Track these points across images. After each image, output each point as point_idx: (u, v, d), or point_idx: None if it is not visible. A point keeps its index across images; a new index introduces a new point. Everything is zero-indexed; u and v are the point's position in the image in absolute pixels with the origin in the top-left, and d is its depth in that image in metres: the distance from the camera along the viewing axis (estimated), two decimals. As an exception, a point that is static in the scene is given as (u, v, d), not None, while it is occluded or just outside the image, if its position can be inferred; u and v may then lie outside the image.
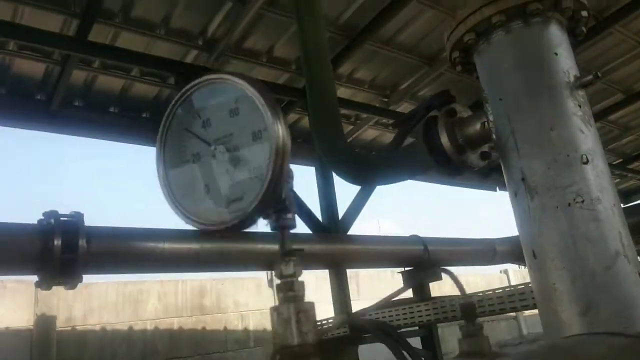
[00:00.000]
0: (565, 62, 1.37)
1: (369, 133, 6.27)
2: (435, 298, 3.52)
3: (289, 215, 0.72)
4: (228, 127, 0.70)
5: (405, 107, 5.73)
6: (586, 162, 1.28)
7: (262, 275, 8.24)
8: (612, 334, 0.94)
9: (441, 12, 4.47)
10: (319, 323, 4.15)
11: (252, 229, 0.72)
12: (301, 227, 4.41)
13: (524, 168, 1.36)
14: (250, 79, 0.68)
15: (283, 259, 0.71)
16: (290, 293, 0.69)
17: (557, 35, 1.40)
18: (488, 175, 8.02)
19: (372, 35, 4.48)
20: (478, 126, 1.57)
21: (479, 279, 12.42)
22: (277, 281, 0.71)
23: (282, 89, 4.87)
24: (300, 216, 4.49)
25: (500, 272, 13.65)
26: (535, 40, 1.39)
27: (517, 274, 13.71)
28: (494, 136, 1.48)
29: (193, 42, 4.24)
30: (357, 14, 4.31)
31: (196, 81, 0.73)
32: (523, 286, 2.98)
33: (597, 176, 1.28)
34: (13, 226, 2.73)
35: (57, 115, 4.43)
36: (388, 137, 6.36)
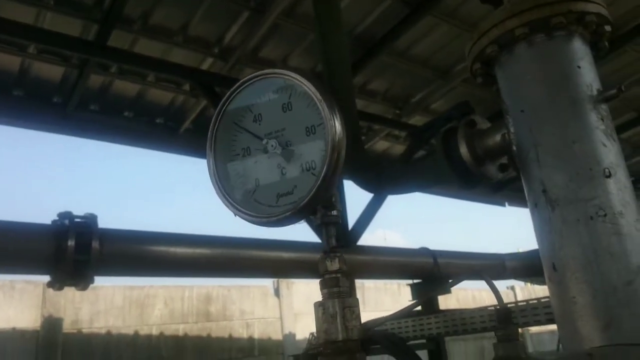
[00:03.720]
0: (588, 76, 1.37)
1: (380, 145, 6.28)
2: (445, 311, 3.49)
3: (334, 212, 0.72)
4: (280, 122, 0.71)
5: (417, 120, 5.74)
6: (609, 176, 1.28)
7: (268, 284, 8.22)
8: (636, 345, 0.93)
9: (455, 26, 4.50)
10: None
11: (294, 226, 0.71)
12: (311, 236, 4.40)
13: (545, 180, 1.36)
14: (307, 74, 0.68)
15: (328, 255, 0.71)
16: (335, 289, 0.69)
17: (580, 49, 1.40)
18: (498, 189, 7.99)
19: (387, 47, 4.51)
20: (498, 138, 1.57)
21: (485, 294, 12.31)
22: (322, 277, 0.71)
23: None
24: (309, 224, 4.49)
25: (507, 288, 13.52)
26: (558, 54, 1.40)
27: (524, 291, 13.58)
28: (514, 148, 1.48)
29: (209, 50, 4.28)
30: (373, 26, 4.34)
31: (249, 77, 0.74)
32: (536, 301, 2.97)
33: (619, 190, 1.27)
34: (27, 226, 2.75)
35: (73, 118, 4.49)
36: (399, 149, 6.37)
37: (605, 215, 1.25)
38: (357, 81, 5.01)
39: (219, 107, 0.75)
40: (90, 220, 2.79)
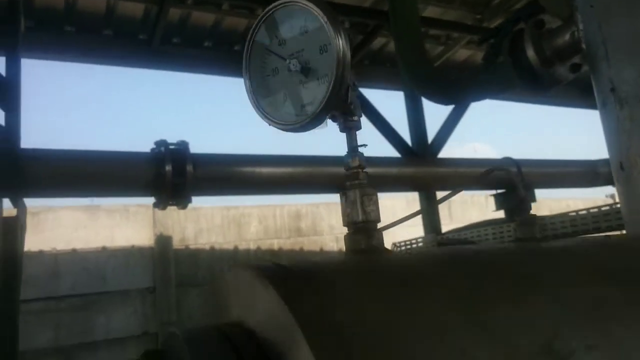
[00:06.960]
0: (666, -39, 1.27)
1: (461, 53, 6.00)
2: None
3: (355, 118, 0.86)
4: (299, 44, 0.86)
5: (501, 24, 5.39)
6: (683, 69, 1.22)
7: (354, 200, 8.49)
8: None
9: None
10: (410, 241, 4.29)
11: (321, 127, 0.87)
12: (391, 151, 4.47)
13: (613, 78, 1.31)
14: (316, 1, 0.81)
15: (350, 155, 0.87)
16: (356, 181, 0.85)
17: None
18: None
19: (462, -54, 4.21)
20: (567, 36, 1.51)
21: (580, 203, 11.80)
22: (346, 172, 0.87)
23: (368, 12, 4.78)
24: (389, 140, 4.54)
25: (606, 196, 12.76)
26: (633, -62, 1.29)
27: (626, 199, 12.79)
28: (583, 45, 1.42)
29: (278, -30, 4.26)
30: None
31: (271, 6, 0.88)
32: (608, 207, 2.88)
33: (694, 83, 1.21)
34: (130, 155, 3.09)
35: (158, 53, 4.73)
36: (481, 56, 6.04)
37: (676, 110, 1.21)
38: (433, -13, 4.77)
39: (249, 35, 0.91)
40: (182, 147, 3.07)
